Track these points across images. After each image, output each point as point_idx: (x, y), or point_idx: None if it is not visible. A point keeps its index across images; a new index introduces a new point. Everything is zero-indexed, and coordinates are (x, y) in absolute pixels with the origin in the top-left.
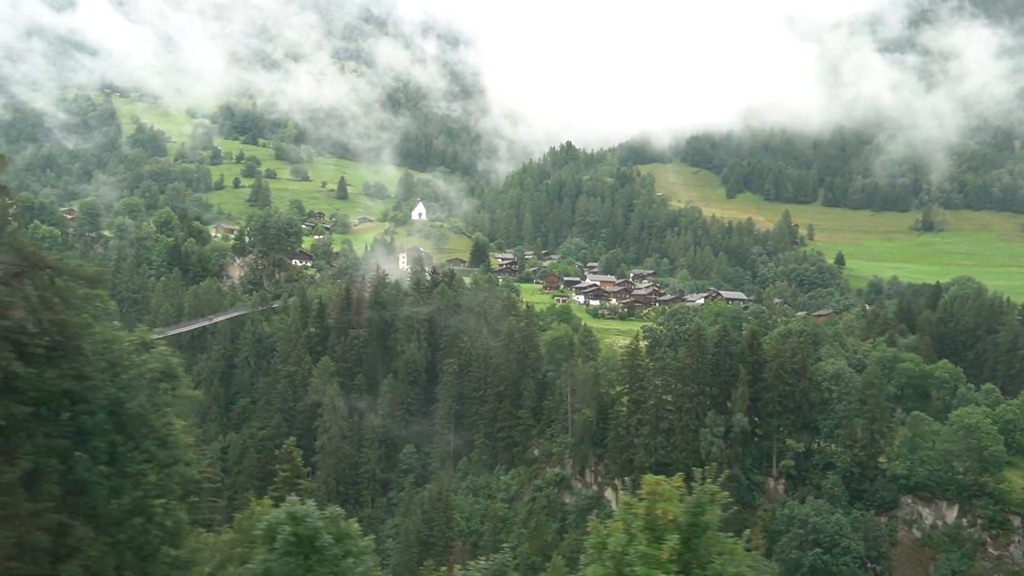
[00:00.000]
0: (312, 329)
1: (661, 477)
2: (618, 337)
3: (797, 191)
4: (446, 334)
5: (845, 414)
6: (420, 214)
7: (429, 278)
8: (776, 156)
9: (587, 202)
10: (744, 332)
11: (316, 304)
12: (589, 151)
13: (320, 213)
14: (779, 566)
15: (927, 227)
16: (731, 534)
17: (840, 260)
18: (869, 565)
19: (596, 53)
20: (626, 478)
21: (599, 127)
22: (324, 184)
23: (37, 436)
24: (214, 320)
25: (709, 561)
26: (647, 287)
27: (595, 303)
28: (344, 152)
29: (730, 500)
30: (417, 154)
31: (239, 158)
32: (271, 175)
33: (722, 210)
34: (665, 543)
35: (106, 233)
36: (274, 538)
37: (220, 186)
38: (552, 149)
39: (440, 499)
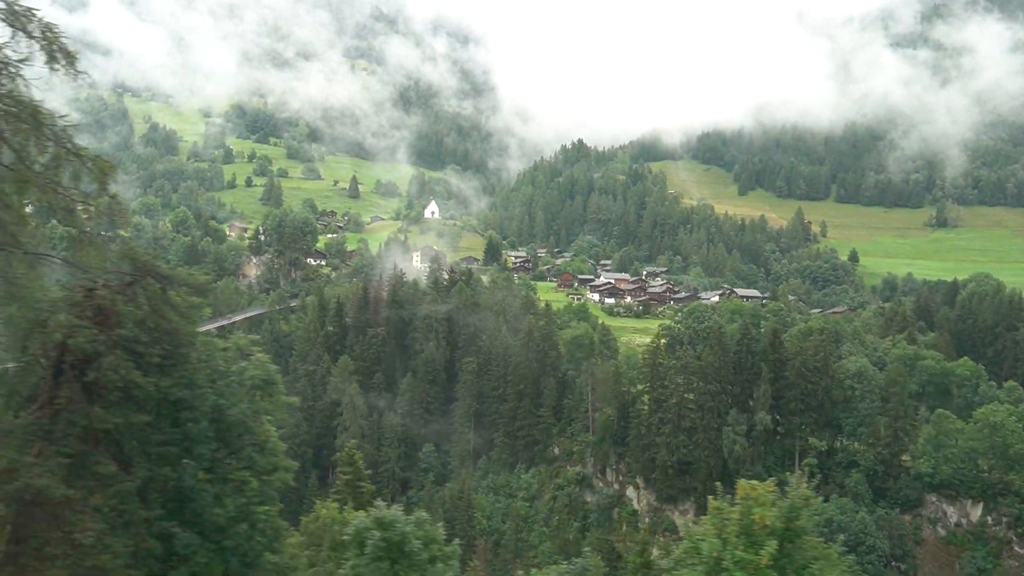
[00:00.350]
0: (330, 328)
1: (755, 481)
2: (635, 335)
3: (809, 188)
4: (465, 333)
5: (868, 412)
6: (433, 212)
7: (447, 277)
8: (788, 153)
9: (599, 200)
10: (763, 330)
11: (334, 303)
12: (600, 149)
13: (333, 212)
14: None
15: (941, 223)
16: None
17: (854, 257)
18: (894, 564)
19: (606, 50)
20: (649, 476)
21: (610, 124)
22: (336, 183)
23: (151, 445)
24: (233, 319)
25: (805, 566)
26: (661, 285)
27: (610, 301)
28: (355, 151)
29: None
30: (428, 152)
31: (251, 157)
32: (283, 174)
33: (734, 207)
34: (763, 548)
35: (122, 233)
36: (363, 544)
37: (232, 185)
38: (563, 147)
39: (461, 498)
